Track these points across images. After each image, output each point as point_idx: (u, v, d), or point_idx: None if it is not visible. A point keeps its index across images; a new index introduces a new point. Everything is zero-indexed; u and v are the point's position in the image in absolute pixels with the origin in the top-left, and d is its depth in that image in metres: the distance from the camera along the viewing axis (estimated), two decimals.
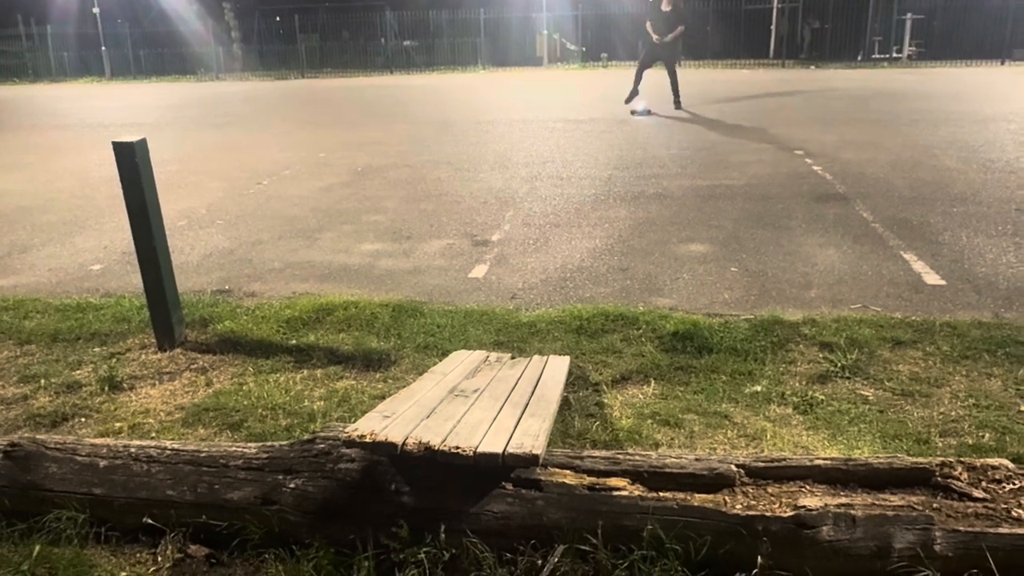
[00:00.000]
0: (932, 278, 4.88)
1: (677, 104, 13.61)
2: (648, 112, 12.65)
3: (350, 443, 2.40)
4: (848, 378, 3.62)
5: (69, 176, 9.43)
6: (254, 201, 7.79)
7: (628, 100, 13.70)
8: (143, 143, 3.94)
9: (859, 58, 25.90)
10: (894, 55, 25.70)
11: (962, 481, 2.37)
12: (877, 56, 25.93)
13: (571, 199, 7.46)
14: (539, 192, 7.69)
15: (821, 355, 3.85)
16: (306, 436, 2.69)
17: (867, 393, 3.47)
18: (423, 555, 2.38)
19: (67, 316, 4.69)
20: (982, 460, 2.49)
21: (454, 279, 5.26)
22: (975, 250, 5.37)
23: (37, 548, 2.53)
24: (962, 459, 2.46)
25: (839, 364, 3.72)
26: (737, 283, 4.97)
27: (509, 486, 2.42)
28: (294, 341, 4.21)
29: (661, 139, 10.69)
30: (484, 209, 7.12)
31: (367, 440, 2.37)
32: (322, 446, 2.55)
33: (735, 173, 8.24)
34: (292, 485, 2.50)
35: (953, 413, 3.28)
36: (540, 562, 2.36)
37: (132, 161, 3.89)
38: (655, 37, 13.18)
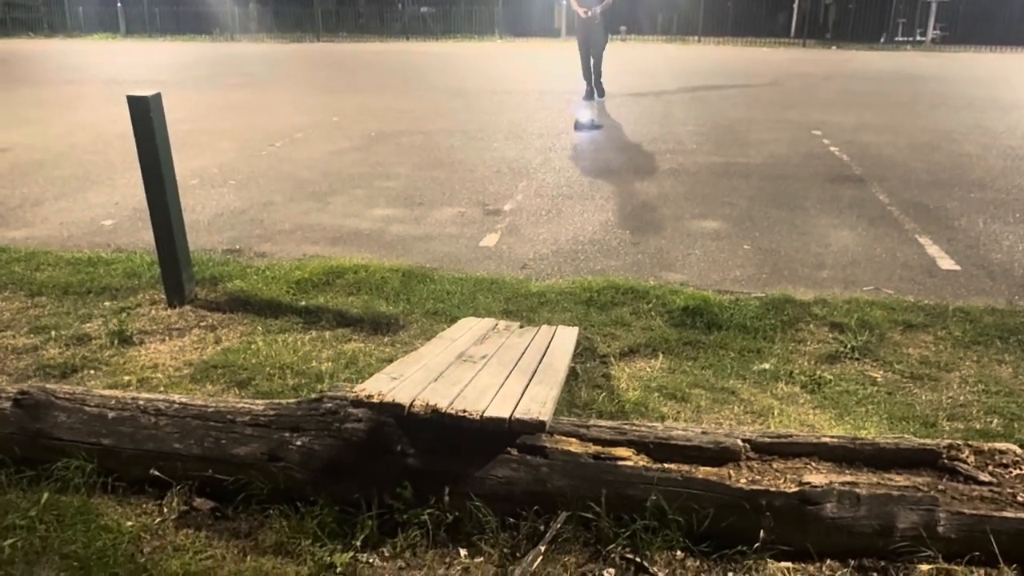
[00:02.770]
0: (946, 263, 4.84)
1: (594, 93, 11.64)
2: (595, 126, 9.41)
3: (357, 403, 2.41)
4: (857, 359, 3.60)
5: (82, 131, 9.42)
6: (266, 162, 7.77)
7: (590, 98, 11.72)
8: (157, 97, 3.92)
9: (882, 40, 25.52)
10: (918, 38, 25.31)
11: (969, 464, 2.36)
12: (900, 39, 25.55)
13: (585, 171, 7.41)
14: (553, 163, 7.64)
15: (831, 335, 3.83)
16: (313, 395, 2.70)
17: (876, 375, 3.46)
18: (426, 516, 2.39)
19: (78, 269, 4.70)
20: (990, 444, 2.48)
21: (465, 247, 5.25)
22: (991, 236, 5.32)
23: (45, 496, 2.55)
24: (970, 443, 2.45)
25: (849, 345, 3.70)
26: (749, 261, 4.93)
27: (514, 452, 2.43)
28: (303, 302, 4.22)
29: (677, 115, 10.58)
30: (497, 178, 7.08)
31: (374, 400, 2.37)
32: (329, 405, 2.55)
33: (751, 151, 8.16)
34: (298, 443, 2.51)
35: (962, 398, 3.27)
36: (543, 528, 2.37)
37: (146, 115, 3.87)
38: (581, 12, 11.03)
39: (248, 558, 2.36)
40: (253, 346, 3.71)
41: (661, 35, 26.45)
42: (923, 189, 6.54)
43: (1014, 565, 2.18)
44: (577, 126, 9.22)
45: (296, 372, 3.45)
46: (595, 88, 11.70)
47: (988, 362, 3.58)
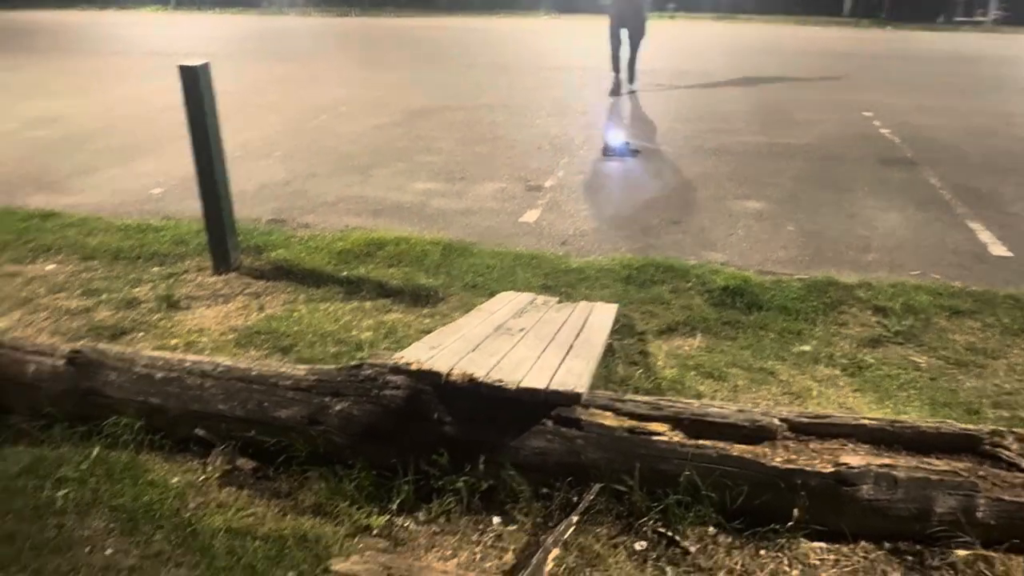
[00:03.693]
0: (998, 249, 4.71)
1: (621, 86, 10.10)
2: (629, 151, 7.03)
3: (396, 370, 2.45)
4: (901, 344, 3.55)
5: (132, 102, 9.61)
6: (310, 136, 7.85)
7: (617, 92, 10.10)
8: (207, 67, 3.98)
9: (940, 20, 24.70)
10: (977, 18, 24.44)
11: (1012, 451, 2.32)
12: (959, 19, 24.69)
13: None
14: (595, 141, 7.58)
15: (874, 319, 3.77)
16: (353, 362, 2.75)
17: (919, 360, 3.40)
18: (461, 483, 2.43)
19: (128, 236, 4.82)
20: None
21: (505, 222, 5.26)
22: None
23: (96, 450, 2.65)
24: (1014, 430, 2.40)
25: (892, 329, 3.64)
26: (793, 242, 4.86)
27: (549, 423, 2.45)
28: (345, 273, 4.28)
29: (724, 94, 10.41)
30: (538, 155, 7.06)
31: (413, 368, 2.40)
32: (369, 372, 2.60)
33: (799, 132, 8.00)
34: (338, 407, 2.56)
35: (1008, 386, 3.20)
36: (576, 499, 2.40)
37: (196, 85, 3.94)
38: None
39: (288, 517, 2.43)
40: (295, 314, 3.78)
41: (710, 12, 25.95)
42: (977, 173, 6.36)
43: None
44: (607, 151, 6.98)
45: (337, 340, 3.51)
46: (627, 77, 10.18)
47: None
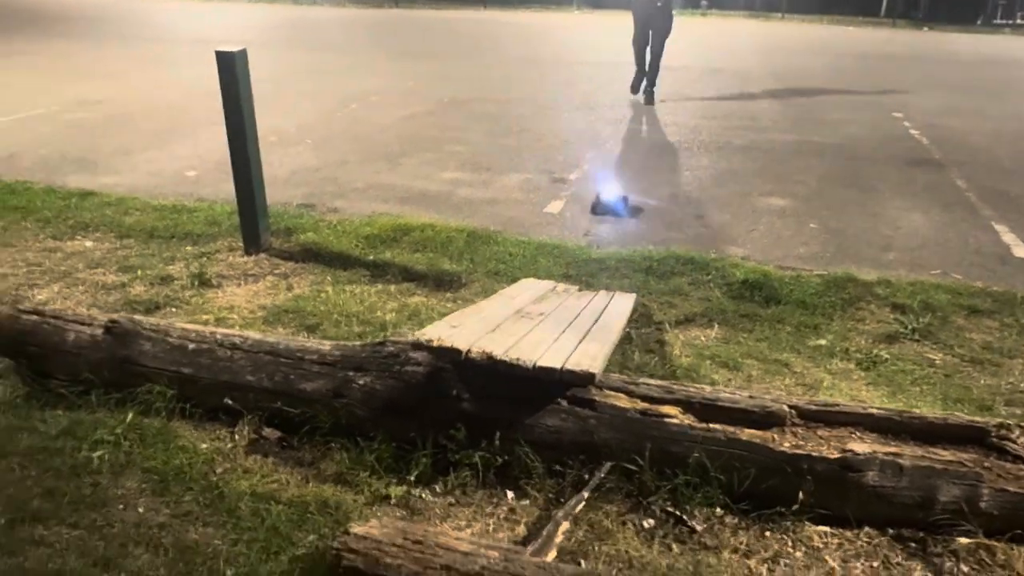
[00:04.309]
0: (1022, 251, 4.70)
1: (647, 89, 9.39)
2: (628, 209, 5.39)
3: (417, 346, 2.54)
4: (917, 340, 3.57)
5: (169, 87, 9.81)
6: (342, 124, 7.97)
7: (637, 88, 9.62)
8: (243, 53, 4.10)
9: (978, 22, 24.33)
10: (1018, 21, 24.04)
11: (1018, 444, 2.36)
12: (999, 21, 24.32)
13: (654, 144, 7.39)
14: (621, 134, 7.63)
15: (892, 316, 3.80)
16: (377, 340, 2.85)
17: (935, 357, 3.43)
18: (477, 458, 2.52)
19: (163, 215, 4.97)
20: None
21: (529, 212, 5.34)
22: None
23: (130, 416, 2.78)
24: (1022, 424, 2.44)
25: (909, 326, 3.67)
26: (814, 239, 4.89)
27: (564, 402, 2.53)
28: (372, 256, 4.38)
29: (754, 92, 10.39)
30: (565, 148, 7.12)
31: (434, 344, 2.50)
32: (391, 349, 2.69)
33: (827, 131, 7.98)
34: (361, 382, 2.66)
35: (1023, 385, 3.22)
36: (587, 476, 2.47)
37: (232, 70, 4.06)
38: None
39: (310, 485, 2.53)
40: (322, 294, 3.89)
41: (743, 10, 25.77)
42: (1005, 177, 6.32)
43: None
44: (597, 208, 5.37)
45: (362, 321, 3.61)
46: (646, 89, 9.45)
47: None
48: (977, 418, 2.45)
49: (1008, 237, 4.92)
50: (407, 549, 2.06)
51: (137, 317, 3.15)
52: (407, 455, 2.58)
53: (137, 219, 4.90)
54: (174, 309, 3.74)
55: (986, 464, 2.29)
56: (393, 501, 2.46)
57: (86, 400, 2.89)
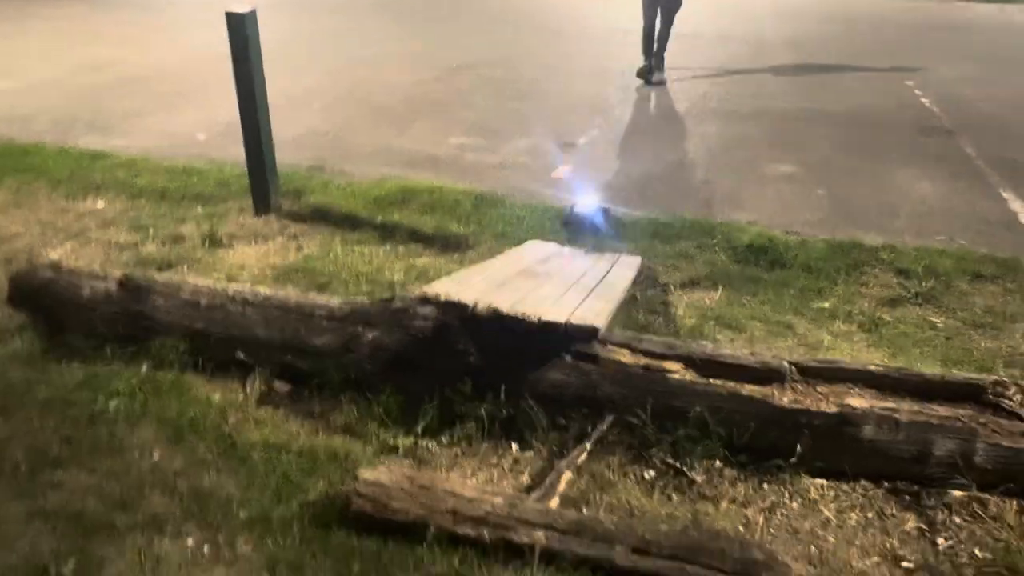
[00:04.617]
0: None
1: (651, 71, 8.37)
2: (605, 222, 4.39)
3: (425, 300, 2.59)
4: (920, 304, 3.60)
5: (179, 51, 9.78)
6: (351, 87, 7.96)
7: (645, 74, 8.42)
8: (253, 14, 4.11)
9: None
10: None
11: (1013, 401, 2.40)
12: None
13: (663, 110, 7.36)
14: (631, 101, 7.61)
15: (895, 280, 3.82)
16: (386, 296, 2.90)
17: (937, 320, 3.46)
18: (483, 411, 2.58)
19: (174, 177, 5.01)
20: None
21: (537, 176, 5.35)
22: None
23: (144, 368, 2.86)
24: (1018, 381, 2.48)
25: (913, 291, 3.70)
26: (821, 205, 4.90)
27: (568, 357, 2.58)
28: (380, 218, 4.42)
29: (764, 58, 10.28)
30: (574, 113, 7.11)
31: (441, 299, 2.55)
32: (400, 304, 2.75)
33: (838, 98, 7.92)
34: (370, 336, 2.72)
35: (1023, 348, 3.25)
36: (590, 429, 2.53)
37: (242, 30, 4.07)
38: None
39: (320, 435, 2.61)
40: (331, 254, 3.94)
41: None
42: (1014, 145, 6.27)
43: None
44: (569, 221, 4.39)
45: (370, 280, 3.66)
46: (653, 66, 8.42)
47: None
48: (973, 375, 2.49)
49: (1015, 204, 4.91)
50: (414, 494, 2.13)
51: (150, 273, 3.21)
52: (414, 408, 2.64)
53: (148, 180, 4.95)
54: (186, 267, 3.80)
55: (981, 420, 2.34)
56: (401, 452, 2.53)
57: (101, 354, 2.96)
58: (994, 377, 2.47)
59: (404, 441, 2.56)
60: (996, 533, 2.20)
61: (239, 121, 4.33)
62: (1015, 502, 2.27)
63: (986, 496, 2.29)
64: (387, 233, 4.23)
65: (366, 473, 2.21)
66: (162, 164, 5.28)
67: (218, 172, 5.11)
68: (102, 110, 6.85)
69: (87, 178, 4.97)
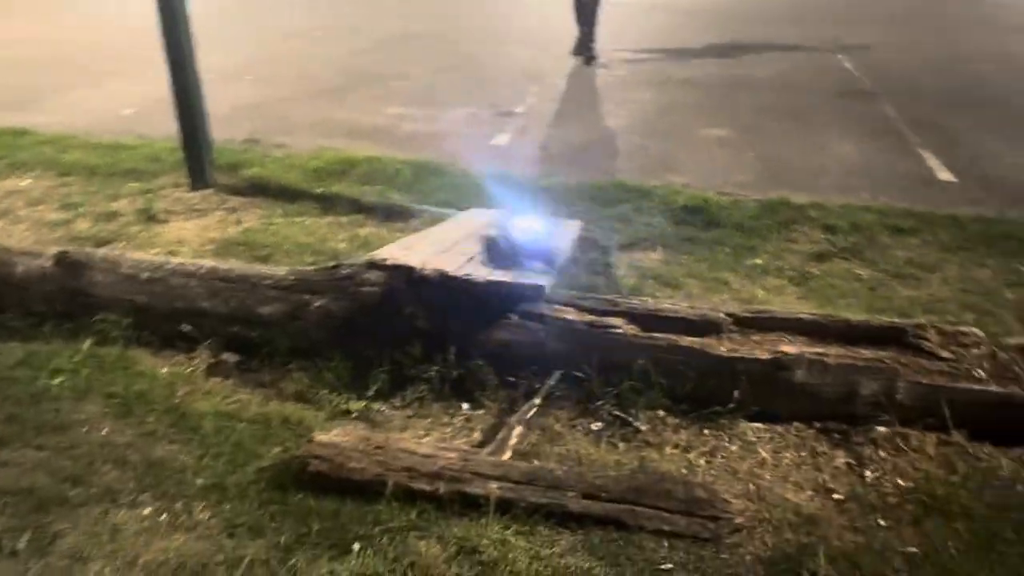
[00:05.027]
0: (944, 175, 4.94)
1: (583, 50, 7.95)
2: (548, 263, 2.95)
3: (371, 266, 2.62)
4: (846, 258, 3.78)
5: (105, 25, 9.43)
6: (284, 60, 7.82)
7: (581, 49, 8.00)
8: None
9: None
10: None
11: (932, 343, 2.56)
12: None
13: (598, 79, 7.44)
14: (567, 69, 7.66)
15: (823, 236, 3.99)
16: (331, 263, 2.91)
17: (861, 272, 3.64)
18: (433, 373, 2.63)
19: (103, 153, 4.88)
20: (955, 327, 2.68)
21: (476, 145, 5.38)
22: (992, 152, 5.39)
23: (87, 345, 2.81)
24: (936, 325, 2.65)
25: (839, 245, 3.87)
26: (752, 167, 5.06)
27: (515, 317, 2.65)
28: (320, 189, 4.40)
29: (696, 26, 10.46)
30: (511, 82, 7.13)
31: (388, 263, 2.58)
32: (346, 271, 2.76)
33: (766, 65, 8.13)
34: (317, 304, 2.73)
35: (941, 295, 3.45)
36: (538, 385, 2.61)
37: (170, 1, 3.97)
38: None
39: (271, 404, 2.62)
40: (272, 227, 3.91)
41: None
42: (933, 106, 6.56)
43: (962, 430, 2.41)
44: (493, 252, 2.99)
45: (313, 251, 3.66)
46: (584, 37, 8.02)
47: (970, 265, 3.74)
48: (896, 320, 2.65)
49: (932, 162, 5.15)
50: (369, 454, 2.18)
51: (87, 249, 3.15)
52: (365, 373, 2.67)
53: (76, 157, 4.81)
54: (122, 244, 3.73)
55: (902, 361, 2.50)
56: (354, 415, 2.57)
57: (40, 332, 2.91)
58: (914, 321, 2.63)
59: (356, 405, 2.60)
60: (917, 464, 2.36)
61: (167, 96, 4.25)
62: (935, 435, 2.43)
63: (908, 431, 2.44)
64: (328, 204, 4.21)
65: (321, 436, 2.25)
66: (90, 140, 5.13)
67: (149, 147, 4.99)
68: (21, 86, 6.59)
69: (9, 156, 4.81)
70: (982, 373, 2.48)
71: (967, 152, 5.38)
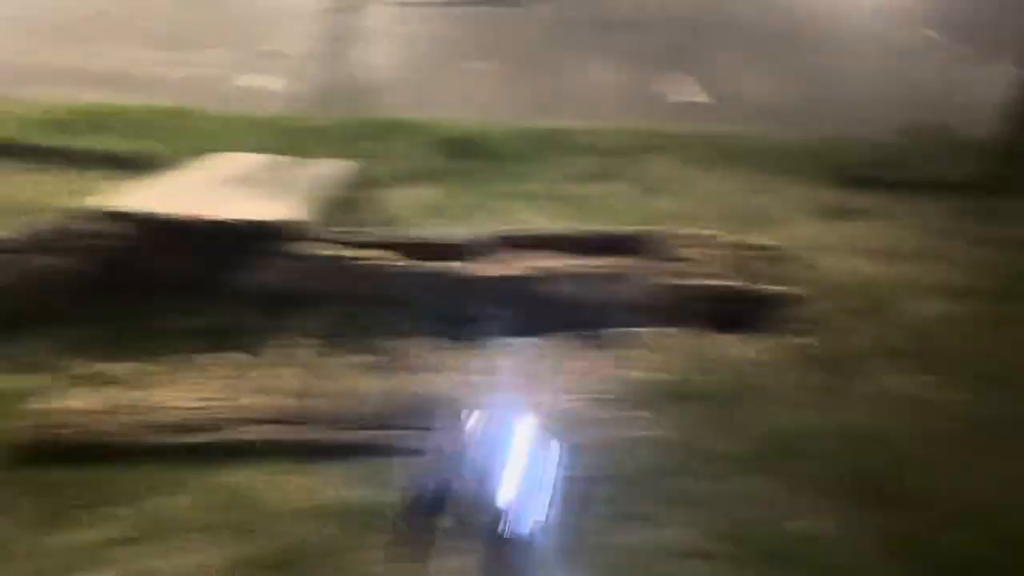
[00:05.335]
0: (699, 97, 5.33)
1: None
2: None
3: (108, 215, 2.41)
4: (606, 179, 4.00)
5: None
6: (18, 5, 6.89)
7: None
8: None
9: None
10: None
11: (667, 246, 2.78)
12: None
13: (364, 16, 7.24)
14: (332, 9, 7.37)
15: (588, 159, 4.19)
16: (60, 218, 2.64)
17: (619, 189, 3.87)
18: (196, 323, 2.48)
19: None
20: (697, 230, 2.93)
21: (231, 87, 5.08)
22: (743, 75, 5.85)
23: None
24: (677, 231, 2.88)
25: (603, 168, 4.08)
26: (519, 97, 5.18)
27: (280, 258, 2.54)
28: (56, 143, 3.95)
29: None
30: (267, 21, 6.77)
31: (129, 213, 2.38)
32: (78, 226, 2.51)
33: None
34: (45, 264, 2.47)
35: (688, 207, 3.74)
36: (308, 322, 2.55)
37: None
38: None
39: (3, 376, 2.35)
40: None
41: None
42: (690, 35, 7.00)
43: (700, 321, 2.65)
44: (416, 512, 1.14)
45: (41, 210, 3.27)
46: None
47: (720, 178, 4.09)
48: (642, 227, 2.85)
49: (690, 88, 5.52)
50: (119, 415, 2.04)
51: None
52: (116, 332, 2.47)
53: None
54: None
55: (646, 265, 2.69)
56: (121, 379, 2.36)
57: None
58: (659, 228, 2.84)
59: (110, 368, 2.40)
60: (669, 357, 2.57)
61: None
62: (677, 328, 2.65)
63: (656, 330, 2.64)
64: (65, 159, 3.80)
65: (69, 402, 2.07)
66: None
67: None
68: None
69: None
70: (711, 270, 2.72)
71: (720, 77, 5.82)
